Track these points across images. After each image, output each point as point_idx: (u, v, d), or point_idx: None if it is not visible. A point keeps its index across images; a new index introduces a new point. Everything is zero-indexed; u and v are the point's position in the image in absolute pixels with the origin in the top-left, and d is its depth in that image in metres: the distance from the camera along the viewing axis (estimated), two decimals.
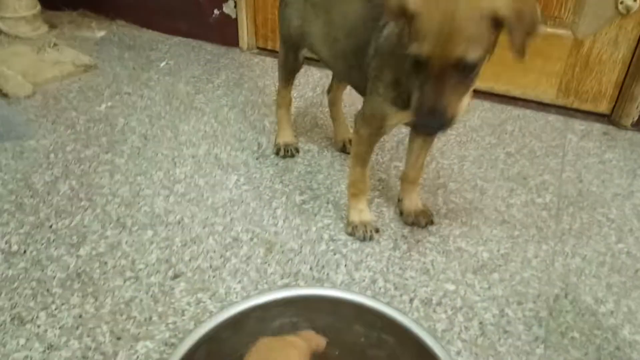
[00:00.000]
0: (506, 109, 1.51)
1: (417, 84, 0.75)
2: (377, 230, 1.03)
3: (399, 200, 1.09)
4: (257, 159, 1.23)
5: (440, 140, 1.33)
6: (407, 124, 0.93)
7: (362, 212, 1.02)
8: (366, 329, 0.71)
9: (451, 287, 0.92)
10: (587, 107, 1.49)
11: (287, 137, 1.25)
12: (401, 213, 1.07)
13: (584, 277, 0.95)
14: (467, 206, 1.11)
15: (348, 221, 1.03)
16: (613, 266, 0.97)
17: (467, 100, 0.77)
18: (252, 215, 1.06)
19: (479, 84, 1.55)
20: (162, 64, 1.66)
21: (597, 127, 1.44)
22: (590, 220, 1.08)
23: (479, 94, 1.56)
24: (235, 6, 1.71)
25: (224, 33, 1.77)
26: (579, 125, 1.44)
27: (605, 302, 0.90)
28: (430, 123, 0.75)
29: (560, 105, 1.51)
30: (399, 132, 1.29)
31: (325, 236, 1.01)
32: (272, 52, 1.77)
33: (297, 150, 1.26)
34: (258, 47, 1.80)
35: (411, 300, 0.88)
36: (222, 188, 1.13)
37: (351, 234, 1.02)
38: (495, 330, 0.84)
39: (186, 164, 1.20)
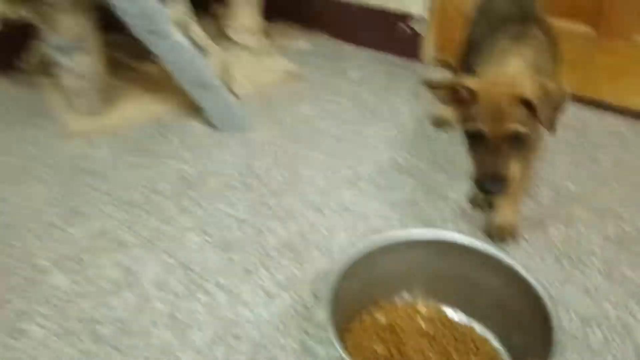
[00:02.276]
0: None
1: (477, 153, 0.94)
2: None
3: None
4: (430, 164, 1.40)
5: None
6: None
7: None
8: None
9: (610, 309, 0.98)
10: None
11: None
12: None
13: None
14: (635, 235, 1.14)
15: None
16: None
17: (518, 165, 0.94)
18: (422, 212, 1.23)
19: None
20: (353, 74, 1.90)
21: None
22: None
23: None
24: (422, 23, 1.88)
25: (410, 47, 1.96)
26: None
27: None
28: (491, 186, 0.92)
29: None
30: None
31: None
32: (451, 67, 1.90)
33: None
34: (439, 61, 1.95)
35: (567, 311, 0.97)
36: (399, 191, 1.32)
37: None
38: None
39: (369, 164, 1.42)
